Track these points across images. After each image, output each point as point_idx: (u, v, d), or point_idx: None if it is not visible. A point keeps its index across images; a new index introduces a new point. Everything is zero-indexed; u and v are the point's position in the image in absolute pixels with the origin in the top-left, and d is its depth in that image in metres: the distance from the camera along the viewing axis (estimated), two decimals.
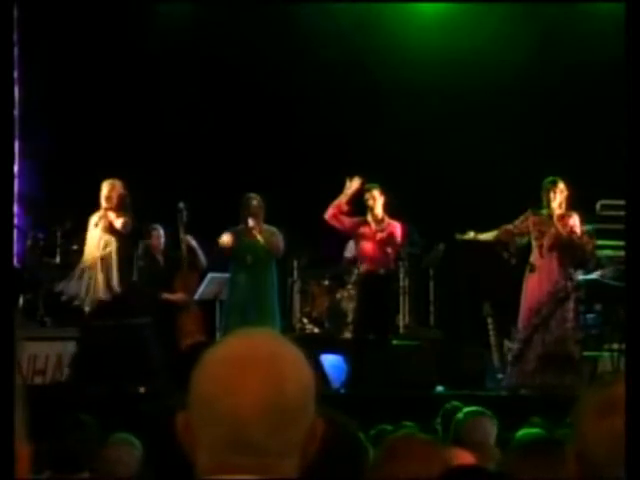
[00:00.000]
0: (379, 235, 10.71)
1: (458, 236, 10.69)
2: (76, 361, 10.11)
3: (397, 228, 10.78)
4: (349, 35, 13.60)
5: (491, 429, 5.40)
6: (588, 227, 10.89)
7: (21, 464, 1.42)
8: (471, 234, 10.63)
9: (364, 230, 10.77)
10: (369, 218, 10.75)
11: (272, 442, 1.63)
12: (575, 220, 10.34)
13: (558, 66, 13.30)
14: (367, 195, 10.73)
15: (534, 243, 10.35)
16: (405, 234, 10.89)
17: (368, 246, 10.77)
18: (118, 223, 10.18)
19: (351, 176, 10.84)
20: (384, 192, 10.73)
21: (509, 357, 10.53)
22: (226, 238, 10.72)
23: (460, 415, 5.45)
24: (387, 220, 10.77)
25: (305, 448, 1.67)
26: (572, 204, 10.50)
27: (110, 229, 10.21)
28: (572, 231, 10.25)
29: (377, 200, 10.70)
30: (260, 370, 1.64)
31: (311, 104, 13.50)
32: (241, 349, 1.68)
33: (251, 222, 10.71)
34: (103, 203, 10.22)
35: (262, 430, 1.62)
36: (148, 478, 4.33)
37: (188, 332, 11.09)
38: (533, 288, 10.29)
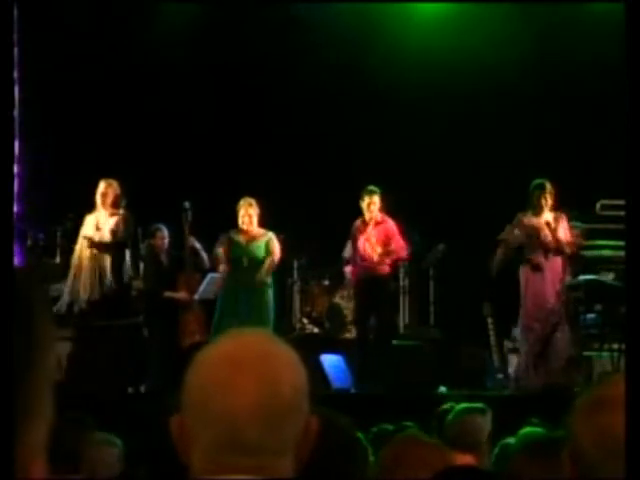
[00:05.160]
0: (374, 237, 10.75)
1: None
2: (70, 361, 10.10)
3: (392, 226, 10.81)
4: (348, 35, 13.61)
5: (483, 425, 5.35)
6: (577, 224, 10.81)
7: None
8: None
9: (360, 232, 10.81)
10: (365, 220, 10.79)
11: (267, 442, 1.63)
12: (564, 224, 10.35)
13: (558, 66, 13.30)
14: (367, 199, 10.75)
15: (536, 243, 10.33)
16: (401, 231, 10.91)
17: (364, 247, 10.79)
18: (112, 229, 10.30)
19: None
20: (384, 197, 10.77)
21: (528, 357, 10.33)
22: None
23: (450, 415, 5.42)
24: (382, 218, 10.79)
25: (300, 446, 1.68)
26: (572, 204, 10.51)
27: (107, 230, 10.35)
28: (559, 241, 10.27)
29: (376, 205, 10.73)
30: (254, 370, 1.64)
31: (311, 105, 13.49)
32: (234, 349, 1.68)
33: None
34: (98, 200, 10.36)
35: (257, 430, 1.62)
36: (143, 477, 4.32)
37: (190, 332, 11.10)
38: (539, 287, 10.28)
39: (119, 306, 10.35)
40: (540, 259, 10.32)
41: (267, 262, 10.88)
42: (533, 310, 10.29)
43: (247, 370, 1.64)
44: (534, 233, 10.30)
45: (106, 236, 10.32)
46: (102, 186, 10.42)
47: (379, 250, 10.71)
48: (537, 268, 10.30)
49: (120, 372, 10.11)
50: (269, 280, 10.93)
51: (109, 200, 10.38)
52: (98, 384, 9.68)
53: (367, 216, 10.77)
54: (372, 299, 10.74)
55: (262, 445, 1.63)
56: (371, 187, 10.78)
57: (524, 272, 10.38)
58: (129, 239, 10.59)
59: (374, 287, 10.71)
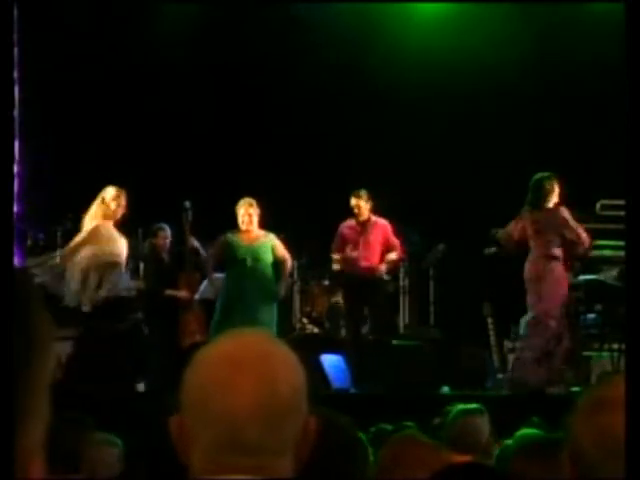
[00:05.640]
0: (364, 238, 10.78)
1: (486, 251, 10.61)
2: (70, 361, 10.10)
3: (386, 226, 10.85)
4: (348, 35, 13.61)
5: (482, 426, 5.36)
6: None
7: None
8: (492, 249, 10.54)
9: (350, 234, 10.85)
10: (355, 221, 10.84)
11: (266, 441, 1.63)
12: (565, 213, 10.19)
13: (558, 66, 13.30)
14: (354, 201, 10.80)
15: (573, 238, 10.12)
16: (394, 229, 10.94)
17: (354, 248, 10.83)
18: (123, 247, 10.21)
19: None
20: (371, 197, 10.80)
21: (535, 353, 10.19)
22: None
23: (450, 416, 5.43)
24: (373, 219, 10.83)
25: (299, 446, 1.68)
26: (572, 204, 10.49)
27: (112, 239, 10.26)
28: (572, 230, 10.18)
29: (363, 208, 10.77)
30: (253, 370, 1.64)
31: (311, 105, 13.50)
32: (233, 349, 1.68)
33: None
34: (118, 210, 10.06)
35: (256, 430, 1.63)
36: (142, 477, 4.32)
37: (190, 332, 11.09)
38: (565, 286, 10.09)
39: (118, 306, 10.32)
40: (559, 253, 10.10)
41: (283, 274, 10.83)
42: (553, 307, 10.03)
43: (246, 370, 1.64)
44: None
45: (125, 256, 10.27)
46: (120, 195, 10.03)
47: (384, 268, 10.77)
48: (568, 267, 10.12)
49: (120, 372, 10.09)
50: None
51: (121, 213, 10.20)
52: (98, 384, 9.67)
53: (359, 218, 10.84)
54: (366, 296, 10.75)
55: (262, 445, 1.63)
56: (358, 191, 10.81)
57: (557, 268, 10.08)
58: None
59: (369, 287, 10.71)
